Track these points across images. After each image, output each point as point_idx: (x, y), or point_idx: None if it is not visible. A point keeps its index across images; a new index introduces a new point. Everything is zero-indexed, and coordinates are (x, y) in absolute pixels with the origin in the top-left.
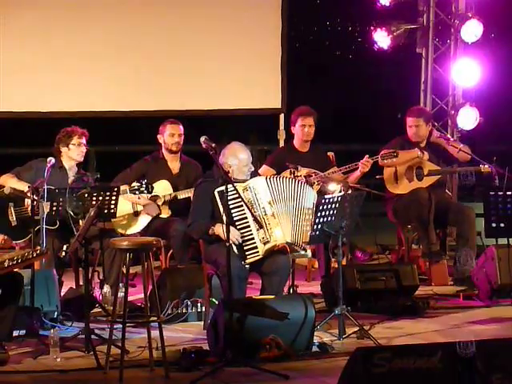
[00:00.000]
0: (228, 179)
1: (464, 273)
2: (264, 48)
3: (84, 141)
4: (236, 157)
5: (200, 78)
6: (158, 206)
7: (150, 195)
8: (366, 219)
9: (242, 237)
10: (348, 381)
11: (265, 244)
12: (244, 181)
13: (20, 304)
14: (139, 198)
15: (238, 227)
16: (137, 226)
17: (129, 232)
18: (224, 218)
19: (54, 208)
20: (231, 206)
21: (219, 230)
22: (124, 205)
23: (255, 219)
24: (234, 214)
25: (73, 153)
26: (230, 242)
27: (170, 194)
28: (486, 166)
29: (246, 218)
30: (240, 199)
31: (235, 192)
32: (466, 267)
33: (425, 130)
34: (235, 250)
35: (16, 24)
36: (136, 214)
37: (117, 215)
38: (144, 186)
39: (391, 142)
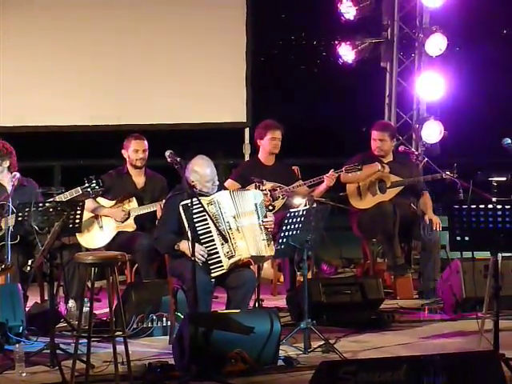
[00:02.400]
0: (193, 193)
1: (428, 286)
2: (229, 62)
3: None
4: (197, 172)
5: (165, 93)
6: (124, 210)
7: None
8: (331, 233)
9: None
10: None
11: (229, 258)
12: (209, 194)
13: None
14: (98, 209)
15: (203, 241)
16: (102, 240)
17: (94, 246)
18: (189, 231)
19: (19, 221)
20: (196, 220)
21: (184, 246)
22: (89, 219)
23: (220, 233)
24: (198, 228)
25: None
26: (196, 259)
27: (137, 209)
28: (449, 174)
29: (210, 232)
30: (205, 213)
31: (200, 206)
32: (430, 281)
33: (389, 145)
34: (200, 264)
35: None
36: (101, 227)
37: (82, 229)
38: (94, 181)
39: (352, 158)
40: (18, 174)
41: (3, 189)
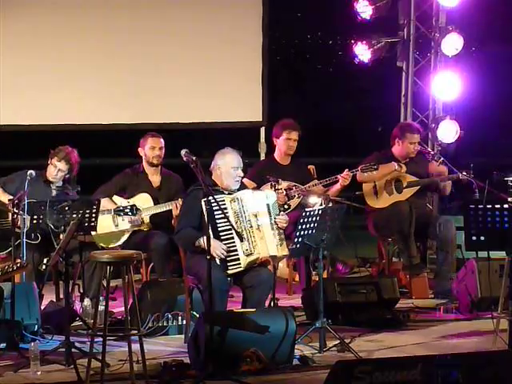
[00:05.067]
0: (209, 192)
1: (444, 287)
2: (245, 61)
3: (61, 166)
4: (224, 158)
5: (181, 92)
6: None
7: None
8: (346, 232)
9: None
10: None
11: (247, 256)
12: (232, 191)
13: (0, 317)
14: (123, 220)
15: (222, 237)
16: (118, 239)
17: (109, 245)
18: (209, 227)
19: (35, 221)
20: (217, 217)
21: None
22: (105, 218)
23: (236, 232)
24: (219, 224)
25: (49, 171)
26: (215, 256)
27: (152, 208)
28: (465, 175)
29: (230, 229)
30: (226, 210)
31: (222, 202)
32: (447, 282)
33: None
34: (217, 261)
35: None
36: (117, 227)
37: (97, 228)
38: (129, 208)
39: (367, 157)
40: (33, 173)
41: (48, 191)
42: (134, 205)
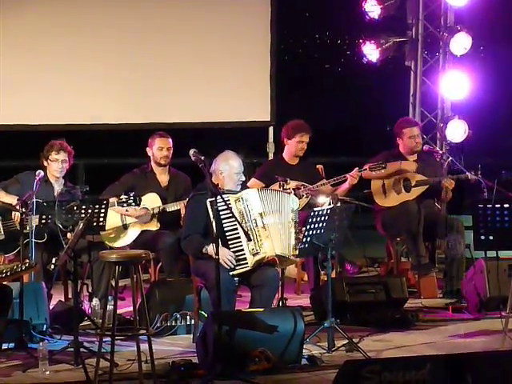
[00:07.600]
0: (217, 191)
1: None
2: (253, 61)
3: (62, 156)
4: (227, 163)
5: (189, 91)
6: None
7: (138, 208)
8: (355, 232)
9: (231, 248)
10: None
11: (254, 255)
12: (236, 192)
13: (9, 317)
14: (127, 211)
15: (229, 237)
16: (126, 239)
17: (118, 245)
18: (214, 228)
19: (43, 221)
20: (223, 217)
21: (212, 251)
22: (113, 218)
23: (243, 231)
24: (224, 225)
25: (51, 167)
26: (223, 263)
27: (159, 207)
28: (474, 176)
29: (236, 228)
30: (231, 210)
31: (228, 202)
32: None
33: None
34: (227, 268)
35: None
36: (125, 226)
37: (106, 228)
38: (132, 198)
39: (377, 156)
40: (41, 173)
41: (51, 190)
42: (137, 195)
